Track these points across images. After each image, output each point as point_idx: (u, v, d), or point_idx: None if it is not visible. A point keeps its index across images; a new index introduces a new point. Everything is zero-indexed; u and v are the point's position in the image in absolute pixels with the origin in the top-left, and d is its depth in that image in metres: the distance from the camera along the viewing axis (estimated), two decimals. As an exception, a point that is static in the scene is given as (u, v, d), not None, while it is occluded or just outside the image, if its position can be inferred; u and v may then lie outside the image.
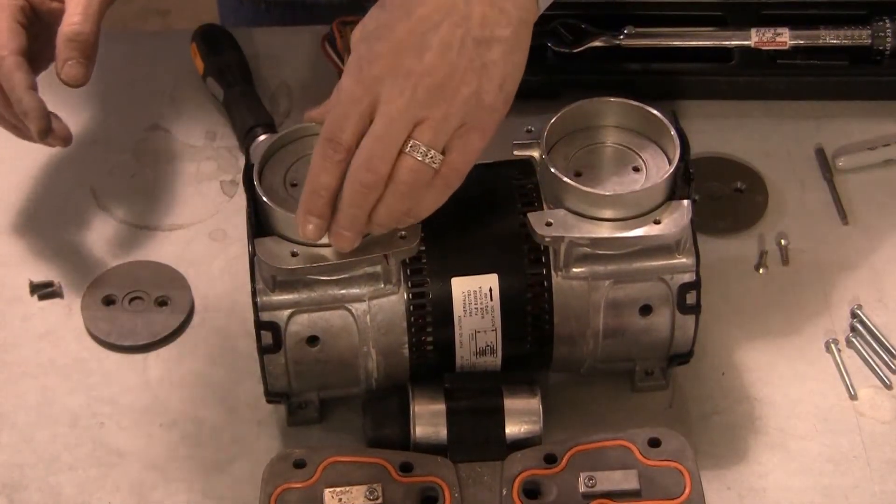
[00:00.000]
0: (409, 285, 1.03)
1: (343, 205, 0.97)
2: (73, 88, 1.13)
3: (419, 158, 0.95)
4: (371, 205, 0.97)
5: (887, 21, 1.29)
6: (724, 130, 1.28)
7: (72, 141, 1.15)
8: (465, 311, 1.03)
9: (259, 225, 1.01)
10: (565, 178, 1.02)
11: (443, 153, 0.96)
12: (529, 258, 1.04)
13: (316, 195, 0.97)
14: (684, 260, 1.04)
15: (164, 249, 1.21)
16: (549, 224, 1.02)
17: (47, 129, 1.12)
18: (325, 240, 1.00)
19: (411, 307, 1.03)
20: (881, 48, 1.29)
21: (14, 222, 1.24)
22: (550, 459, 1.01)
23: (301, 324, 1.03)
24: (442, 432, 1.03)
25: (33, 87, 1.11)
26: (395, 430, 1.04)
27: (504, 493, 1.00)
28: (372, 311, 1.03)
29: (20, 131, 1.15)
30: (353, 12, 1.29)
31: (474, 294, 1.03)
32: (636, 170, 1.05)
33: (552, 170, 1.03)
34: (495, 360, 1.05)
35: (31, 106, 1.11)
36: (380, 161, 0.95)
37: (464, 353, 1.05)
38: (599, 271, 1.04)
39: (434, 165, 0.96)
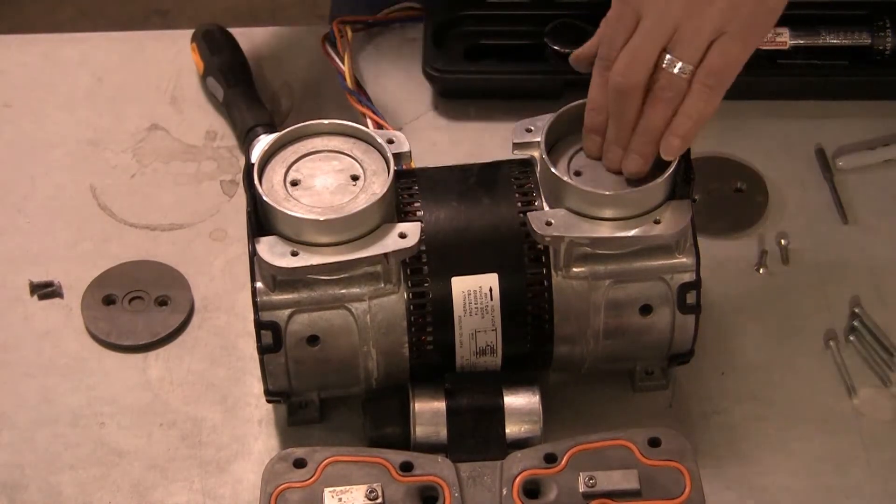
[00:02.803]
0: (410, 285, 1.03)
1: (609, 117, 1.02)
2: None
3: (667, 68, 1.00)
4: (630, 115, 1.01)
5: (887, 21, 1.29)
6: (724, 130, 1.28)
7: None
8: (465, 310, 1.03)
9: (259, 224, 1.01)
10: (565, 178, 1.02)
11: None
12: (529, 258, 1.04)
13: (595, 112, 1.04)
14: (684, 260, 1.04)
15: (164, 249, 1.21)
16: (549, 224, 1.02)
17: None
18: (324, 238, 1.00)
19: (411, 307, 1.03)
20: (881, 48, 1.29)
21: (14, 222, 1.24)
22: (550, 459, 1.01)
23: (301, 323, 1.03)
24: (442, 432, 1.03)
25: None
26: (396, 429, 1.04)
27: (504, 492, 1.00)
28: (372, 310, 1.03)
29: None
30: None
31: (474, 294, 1.03)
32: (636, 169, 1.05)
33: (552, 170, 1.03)
34: (495, 360, 1.05)
35: None
36: (631, 68, 1.00)
37: (464, 353, 1.05)
38: (599, 271, 1.04)
39: (684, 75, 1.00)
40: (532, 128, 1.06)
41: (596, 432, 1.03)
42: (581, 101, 1.06)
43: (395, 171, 1.03)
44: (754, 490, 1.06)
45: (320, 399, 1.09)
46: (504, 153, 1.08)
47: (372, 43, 1.36)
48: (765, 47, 1.30)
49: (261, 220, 1.02)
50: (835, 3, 1.32)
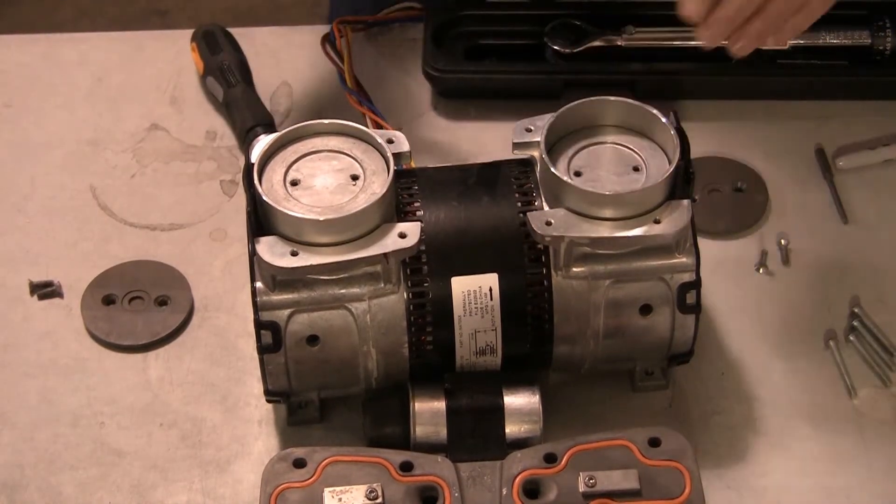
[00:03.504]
0: (409, 285, 1.03)
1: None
2: None
3: None
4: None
5: (887, 21, 1.29)
6: (724, 130, 1.28)
7: None
8: (465, 310, 1.03)
9: (259, 224, 1.01)
10: (565, 178, 1.02)
11: None
12: (529, 258, 1.04)
13: None
14: (684, 259, 1.04)
15: (164, 249, 1.21)
16: (549, 224, 1.02)
17: None
18: (324, 238, 1.00)
19: (411, 307, 1.03)
20: (881, 48, 1.29)
21: (14, 222, 1.24)
22: (550, 459, 1.01)
23: (301, 323, 1.03)
24: (442, 432, 1.03)
25: None
26: (396, 429, 1.04)
27: (504, 492, 1.00)
28: (372, 310, 1.03)
29: None
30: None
31: (474, 294, 1.03)
32: (636, 169, 1.05)
33: (552, 170, 1.03)
34: (495, 360, 1.05)
35: None
36: None
37: (464, 353, 1.05)
38: (599, 271, 1.04)
39: None
40: (532, 128, 1.06)
41: (596, 432, 1.03)
42: (581, 100, 1.06)
43: (395, 170, 1.03)
44: (754, 490, 1.06)
45: (320, 399, 1.09)
46: (504, 153, 1.08)
47: (372, 43, 1.36)
48: (765, 47, 1.29)
49: (261, 220, 1.02)
50: (835, 3, 1.32)
